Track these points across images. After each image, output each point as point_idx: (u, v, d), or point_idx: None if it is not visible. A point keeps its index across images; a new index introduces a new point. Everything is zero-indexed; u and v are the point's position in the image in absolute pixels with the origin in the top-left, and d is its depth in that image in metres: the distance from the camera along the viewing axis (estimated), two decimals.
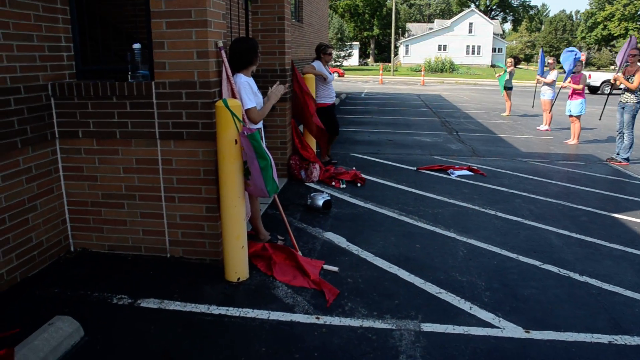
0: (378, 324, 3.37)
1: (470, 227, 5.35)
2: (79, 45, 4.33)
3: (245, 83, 4.21)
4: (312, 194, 5.80)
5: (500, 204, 6.19)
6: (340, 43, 50.68)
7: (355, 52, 61.00)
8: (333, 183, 6.86)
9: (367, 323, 3.39)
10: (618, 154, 8.95)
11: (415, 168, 7.97)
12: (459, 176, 7.56)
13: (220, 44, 4.05)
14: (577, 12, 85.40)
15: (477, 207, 6.02)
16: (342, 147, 9.61)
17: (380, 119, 14.37)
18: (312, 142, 7.48)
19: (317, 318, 3.45)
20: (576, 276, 4.23)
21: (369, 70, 53.08)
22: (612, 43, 64.96)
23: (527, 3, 79.13)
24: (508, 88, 15.33)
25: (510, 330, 3.35)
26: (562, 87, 11.29)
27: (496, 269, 4.32)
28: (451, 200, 6.27)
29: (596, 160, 9.24)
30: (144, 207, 4.35)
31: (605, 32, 65.65)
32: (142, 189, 4.31)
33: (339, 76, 40.33)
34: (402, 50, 64.42)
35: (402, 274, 4.14)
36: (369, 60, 70.67)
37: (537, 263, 4.46)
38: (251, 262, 4.27)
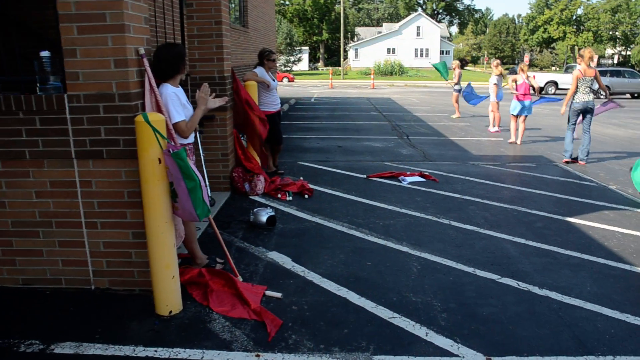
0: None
1: (423, 239, 5.08)
2: None
3: (173, 94, 3.79)
4: (255, 210, 5.40)
5: (454, 212, 5.96)
6: (289, 48, 50.34)
7: (305, 57, 60.80)
8: (279, 195, 6.48)
9: (313, 359, 3.02)
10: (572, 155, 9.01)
11: (365, 176, 7.68)
12: (410, 183, 7.32)
13: (142, 51, 3.61)
14: (519, 15, 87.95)
15: (430, 217, 5.77)
16: (289, 156, 9.24)
17: (329, 124, 14.09)
18: (255, 153, 7.08)
19: (257, 356, 3.06)
20: (536, 290, 4.00)
21: (319, 74, 52.98)
22: (552, 45, 67.24)
23: (472, 7, 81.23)
24: (456, 91, 15.37)
25: (471, 358, 3.05)
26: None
27: (452, 286, 4.05)
28: (403, 210, 5.99)
29: (546, 161, 9.21)
30: (62, 235, 3.85)
31: (545, 35, 67.91)
32: (58, 214, 3.81)
33: (289, 81, 40.01)
34: (351, 54, 64.72)
35: (352, 297, 3.80)
36: (319, 64, 70.64)
37: (494, 277, 4.21)
38: (187, 291, 3.85)
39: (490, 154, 9.85)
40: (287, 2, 67.29)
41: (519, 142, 10.95)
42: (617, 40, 65.06)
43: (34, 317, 3.54)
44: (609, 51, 67.50)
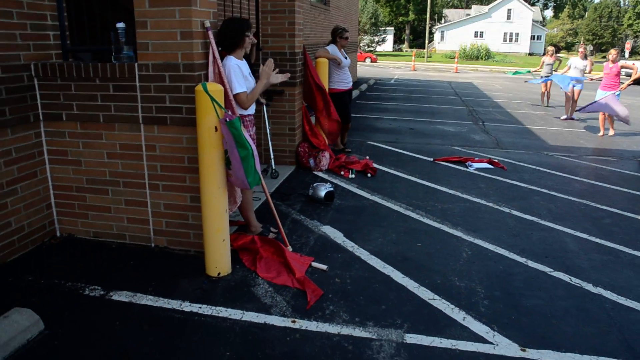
0: (358, 332, 3.09)
1: (479, 225, 4.99)
2: (64, 23, 4.12)
3: (235, 66, 3.94)
4: (314, 184, 5.52)
5: (516, 201, 5.79)
6: (374, 28, 49.76)
7: (390, 38, 59.95)
8: (342, 172, 6.56)
9: (346, 330, 3.11)
10: None
11: (432, 159, 7.59)
12: (477, 169, 7.15)
13: (208, 24, 3.77)
14: None
15: (490, 204, 5.64)
16: (359, 135, 9.27)
17: (405, 106, 13.93)
18: (322, 130, 7.17)
19: (294, 322, 3.18)
20: (589, 287, 3.84)
21: (402, 56, 52.11)
22: None
23: None
24: (548, 79, 14.65)
25: (505, 347, 3.02)
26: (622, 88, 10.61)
27: (501, 274, 3.97)
28: (464, 195, 5.89)
29: (630, 156, 8.66)
30: (128, 194, 4.15)
31: None
32: (125, 175, 4.11)
33: (372, 61, 39.69)
34: (437, 36, 63.05)
35: (396, 276, 3.84)
36: (404, 46, 69.41)
37: (547, 270, 4.09)
38: (238, 256, 4.04)
39: (567, 144, 9.38)
40: None
41: (611, 132, 10.37)
42: None
43: (99, 266, 3.86)
44: None
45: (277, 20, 6.41)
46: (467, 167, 7.23)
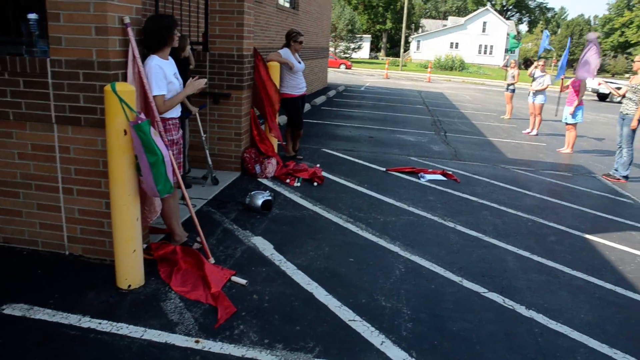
0: (263, 356, 2.87)
1: (420, 240, 4.82)
2: None
3: (157, 67, 3.69)
4: (252, 192, 5.29)
5: (463, 216, 5.65)
6: (350, 35, 49.82)
7: (366, 45, 60.10)
8: (288, 180, 6.34)
9: (251, 353, 2.88)
10: (616, 170, 8.31)
11: (384, 169, 7.43)
12: (429, 181, 7.02)
13: (128, 20, 3.52)
14: (596, 17, 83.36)
15: (435, 218, 5.49)
16: (316, 142, 9.07)
17: (370, 114, 13.80)
18: (272, 136, 6.94)
19: (197, 342, 2.94)
20: (522, 309, 3.69)
21: (377, 64, 52.26)
22: (628, 50, 63.59)
23: (545, 5, 77.48)
24: (511, 90, 14.71)
25: None
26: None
27: (431, 294, 3.80)
28: (410, 208, 5.73)
29: (586, 172, 8.65)
30: (41, 198, 3.86)
31: (622, 39, 64.29)
32: (38, 177, 3.82)
33: (346, 68, 39.70)
34: (413, 45, 63.45)
35: (319, 294, 3.63)
36: (380, 54, 69.70)
37: (481, 290, 3.93)
38: (157, 266, 3.79)
39: (526, 158, 9.35)
40: None
41: (570, 150, 10.38)
42: None
43: (2, 275, 3.56)
44: None
45: (226, 21, 6.18)
46: (419, 179, 7.08)
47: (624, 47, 64.32)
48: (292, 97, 7.24)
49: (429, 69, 34.59)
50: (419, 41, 63.06)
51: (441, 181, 7.07)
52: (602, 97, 27.00)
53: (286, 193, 5.89)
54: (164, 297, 3.43)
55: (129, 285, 3.49)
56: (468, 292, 3.87)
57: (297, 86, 7.33)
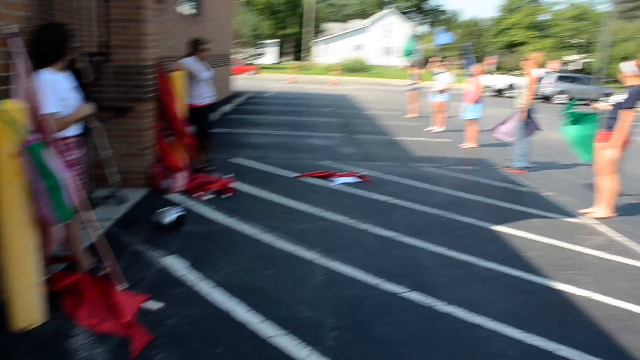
0: None
1: (337, 246, 4.79)
2: None
3: (49, 81, 3.38)
4: (161, 210, 5.02)
5: (378, 217, 5.70)
6: (255, 40, 49.62)
7: (272, 50, 60.14)
8: (198, 194, 6.10)
9: None
10: (516, 161, 8.76)
11: (296, 175, 7.36)
12: (342, 184, 7.03)
13: (12, 30, 3.18)
14: (486, 19, 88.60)
15: (351, 222, 5.49)
16: (225, 152, 8.84)
17: (278, 119, 13.71)
18: (179, 149, 6.66)
19: None
20: (440, 306, 3.75)
21: (284, 68, 52.39)
22: (513, 49, 68.00)
23: (442, 7, 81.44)
24: (415, 89, 15.20)
25: None
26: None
27: (353, 300, 3.76)
28: (325, 213, 5.70)
29: (488, 165, 9.07)
30: None
31: (510, 39, 68.85)
32: None
33: (253, 74, 39.41)
34: (318, 49, 64.32)
35: (239, 312, 3.48)
36: (286, 59, 70.00)
37: (400, 290, 3.95)
38: (61, 299, 3.47)
39: (433, 155, 9.66)
40: None
41: (474, 144, 10.85)
42: (580, 47, 66.44)
43: None
44: (571, 57, 68.86)
45: (126, 30, 5.84)
46: (331, 182, 7.08)
47: (512, 46, 68.85)
48: (198, 107, 6.99)
49: (335, 72, 35.11)
50: (324, 44, 63.99)
51: (354, 183, 7.11)
52: (499, 91, 28.81)
53: (198, 207, 5.66)
54: (70, 333, 3.13)
55: (27, 326, 3.15)
56: (388, 295, 3.88)
57: (203, 95, 7.09)
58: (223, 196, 6.10)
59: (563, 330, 3.53)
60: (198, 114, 6.99)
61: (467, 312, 3.67)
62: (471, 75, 10.75)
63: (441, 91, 12.51)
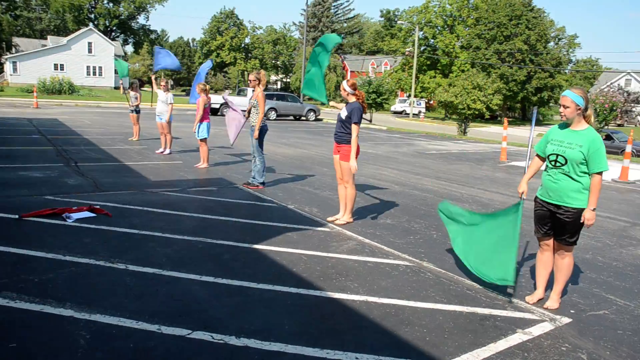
0: None
1: (94, 295, 4.06)
2: None
3: None
4: None
5: (131, 253, 5.08)
6: None
7: None
8: None
9: None
10: (254, 178, 8.91)
11: (17, 216, 6.12)
12: (78, 220, 6.11)
13: None
14: (194, 39, 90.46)
15: (102, 263, 4.76)
16: None
17: None
18: None
19: None
20: (233, 340, 3.47)
21: None
22: (225, 69, 71.56)
23: (148, 27, 79.69)
24: (136, 112, 14.41)
25: None
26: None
27: (135, 355, 3.20)
28: (68, 257, 4.82)
29: (227, 184, 9.07)
30: None
31: (219, 59, 71.90)
32: None
33: None
34: (9, 67, 56.29)
35: None
36: None
37: (185, 332, 3.53)
38: None
39: (169, 179, 9.22)
40: None
41: (206, 164, 10.73)
42: (279, 68, 73.31)
43: None
44: (273, 77, 75.43)
45: None
46: (65, 220, 6.09)
47: (221, 67, 72.00)
48: None
49: (35, 94, 31.15)
50: (15, 62, 56.22)
51: (91, 218, 6.25)
52: (214, 111, 29.60)
53: None
54: None
55: None
56: (173, 340, 3.42)
57: None
58: None
59: (355, 338, 3.63)
60: None
61: (262, 341, 3.48)
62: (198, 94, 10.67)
63: (164, 112, 12.12)
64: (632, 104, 23.80)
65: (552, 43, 50.54)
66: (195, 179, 9.42)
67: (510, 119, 48.94)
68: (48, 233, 5.57)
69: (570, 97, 4.21)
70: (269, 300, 4.18)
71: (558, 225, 4.37)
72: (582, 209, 4.22)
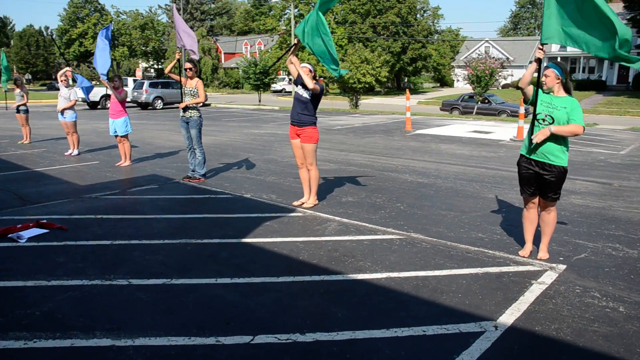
0: None
1: (117, 317, 3.68)
2: None
3: None
4: None
5: (123, 266, 4.66)
6: None
7: None
8: None
9: None
10: (194, 171, 8.50)
11: None
12: (31, 239, 5.44)
13: None
14: (47, 27, 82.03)
15: (98, 282, 4.31)
16: None
17: None
18: None
19: None
20: (300, 337, 3.35)
21: None
22: (89, 59, 66.39)
23: None
24: (24, 112, 13.03)
25: None
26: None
27: None
28: (54, 282, 4.29)
29: (165, 180, 8.56)
30: None
31: (82, 49, 66.53)
32: None
33: None
34: None
35: None
36: None
37: (247, 339, 3.35)
38: None
39: (98, 181, 8.48)
40: None
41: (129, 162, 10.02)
42: (150, 54, 69.61)
43: None
44: (143, 65, 71.51)
45: None
46: (17, 241, 5.40)
47: (85, 57, 66.73)
48: None
49: None
50: None
51: (47, 235, 5.60)
52: (94, 105, 27.80)
53: None
54: None
55: None
56: (241, 348, 3.22)
57: None
58: None
59: (408, 313, 3.68)
60: None
61: (328, 333, 3.40)
62: (115, 88, 9.86)
63: (67, 110, 11.11)
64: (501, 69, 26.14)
65: (418, 15, 53.09)
66: (126, 178, 8.79)
67: (386, 89, 51.17)
68: (6, 258, 4.90)
69: (552, 67, 4.64)
70: (302, 292, 4.09)
71: (544, 184, 4.72)
72: (564, 167, 4.61)
